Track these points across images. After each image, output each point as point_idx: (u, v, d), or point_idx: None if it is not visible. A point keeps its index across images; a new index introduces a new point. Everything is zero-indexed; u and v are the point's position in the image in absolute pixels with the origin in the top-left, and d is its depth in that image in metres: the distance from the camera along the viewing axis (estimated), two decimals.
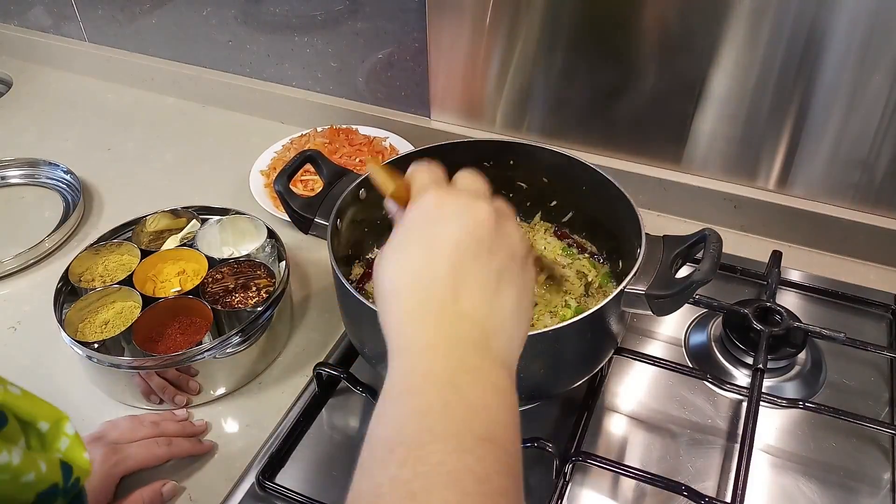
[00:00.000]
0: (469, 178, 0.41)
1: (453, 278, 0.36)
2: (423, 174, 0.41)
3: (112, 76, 1.16)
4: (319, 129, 0.95)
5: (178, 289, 0.70)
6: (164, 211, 0.77)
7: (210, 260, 0.71)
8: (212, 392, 0.65)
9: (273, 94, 1.03)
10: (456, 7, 0.81)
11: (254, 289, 0.69)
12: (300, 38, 0.97)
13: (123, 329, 0.64)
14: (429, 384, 0.33)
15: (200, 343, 0.62)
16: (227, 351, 0.63)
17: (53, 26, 1.18)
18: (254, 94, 1.04)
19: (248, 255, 0.72)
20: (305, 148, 0.86)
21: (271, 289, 0.68)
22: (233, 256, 0.72)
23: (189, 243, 0.74)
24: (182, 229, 0.77)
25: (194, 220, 0.77)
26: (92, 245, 0.73)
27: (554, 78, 0.81)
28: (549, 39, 0.79)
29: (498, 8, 0.79)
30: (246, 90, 1.05)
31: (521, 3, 0.77)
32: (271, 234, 0.74)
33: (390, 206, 0.43)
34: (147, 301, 0.66)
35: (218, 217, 0.76)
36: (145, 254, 0.72)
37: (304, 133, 0.95)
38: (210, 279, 0.69)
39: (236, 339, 0.63)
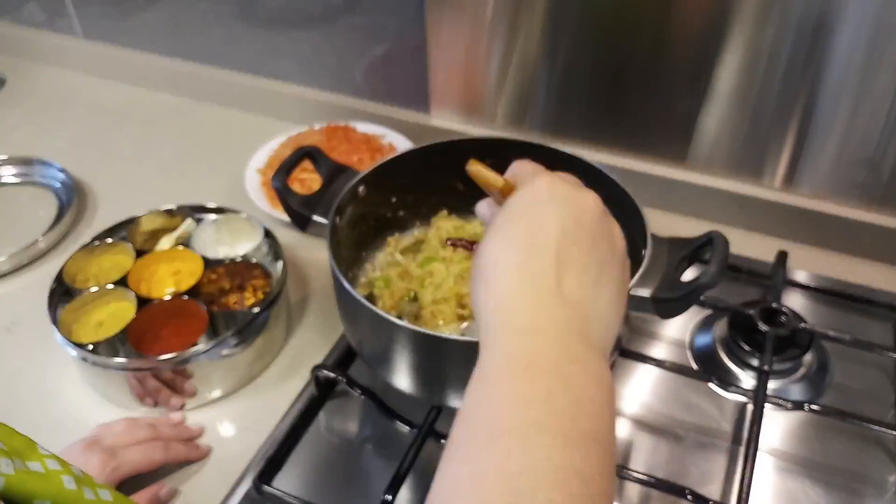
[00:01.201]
0: (568, 175, 0.42)
1: (557, 261, 0.36)
2: (529, 164, 0.42)
3: (107, 73, 1.15)
4: (317, 127, 0.94)
5: (173, 289, 0.69)
6: (158, 210, 0.76)
7: (205, 260, 0.70)
8: (208, 394, 0.64)
9: (270, 90, 1.02)
10: (456, 2, 0.80)
11: (250, 289, 0.68)
12: (297, 33, 0.96)
13: (118, 330, 0.63)
14: (533, 370, 0.32)
15: (196, 344, 0.61)
16: (223, 353, 0.62)
17: (47, 22, 1.16)
18: (250, 91, 1.03)
19: (244, 256, 0.71)
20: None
21: (268, 289, 0.67)
22: (228, 257, 0.71)
23: (184, 243, 0.73)
24: (177, 229, 0.76)
25: (189, 220, 0.76)
26: (86, 245, 0.72)
27: (556, 74, 0.81)
28: (552, 35, 0.78)
29: (499, 2, 0.78)
30: (242, 87, 1.04)
31: None
32: (268, 234, 0.73)
33: (482, 209, 0.46)
34: (142, 302, 0.65)
35: (213, 216, 0.75)
36: (140, 254, 0.71)
37: (301, 130, 0.94)
38: (205, 280, 0.68)
39: (232, 341, 0.62)
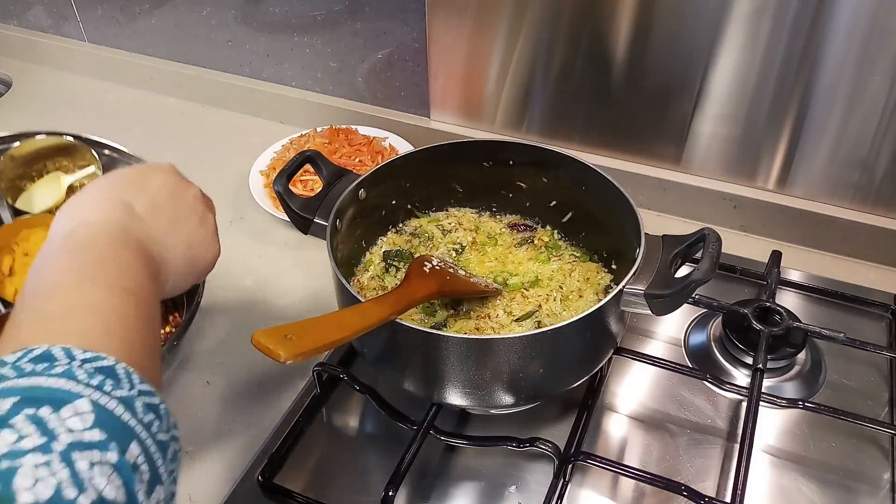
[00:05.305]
0: None
1: (134, 191, 0.45)
2: None
3: (111, 76, 1.16)
4: (319, 130, 0.95)
5: None
6: (49, 133, 0.51)
7: None
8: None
9: (272, 94, 1.03)
10: (455, 7, 0.81)
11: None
12: (300, 38, 0.97)
13: None
14: (89, 246, 0.38)
15: None
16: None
17: (53, 26, 1.18)
18: (253, 94, 1.04)
19: None
20: (305, 148, 0.86)
21: (180, 318, 0.51)
22: None
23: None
24: (74, 173, 0.52)
25: (94, 168, 0.51)
26: None
27: (553, 78, 0.82)
28: (549, 39, 0.79)
29: (498, 8, 0.79)
30: (245, 90, 1.05)
31: (521, 3, 0.77)
32: None
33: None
34: None
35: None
36: (15, 212, 0.46)
37: (303, 133, 0.95)
38: None
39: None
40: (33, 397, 0.29)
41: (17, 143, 0.50)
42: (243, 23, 1.00)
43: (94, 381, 0.31)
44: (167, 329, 0.59)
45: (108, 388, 0.31)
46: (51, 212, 0.50)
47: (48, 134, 0.53)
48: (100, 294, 0.36)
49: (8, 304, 0.48)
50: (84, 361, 0.31)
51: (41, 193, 0.50)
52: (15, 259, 0.49)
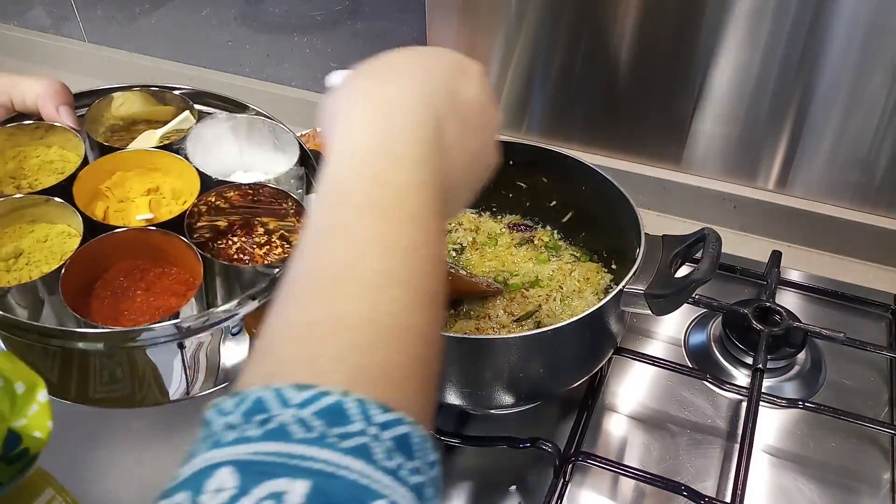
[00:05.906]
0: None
1: (447, 105, 0.33)
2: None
3: (112, 76, 1.15)
4: (319, 130, 0.95)
5: (149, 216, 0.45)
6: (142, 88, 0.51)
7: (205, 179, 0.46)
8: (195, 387, 0.45)
9: (273, 94, 1.03)
10: (456, 7, 0.81)
11: (276, 234, 0.46)
12: (300, 38, 0.97)
13: (48, 271, 0.40)
14: (401, 214, 0.28)
15: (177, 315, 0.40)
16: (232, 330, 0.40)
17: (53, 26, 1.18)
18: (253, 94, 1.04)
19: (268, 180, 0.47)
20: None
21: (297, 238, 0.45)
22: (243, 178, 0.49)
23: (176, 146, 0.48)
24: (167, 123, 0.51)
25: (188, 113, 0.51)
26: (5, 124, 0.46)
27: (554, 78, 0.82)
28: (549, 39, 0.79)
29: (498, 8, 0.79)
30: (245, 90, 1.05)
31: (521, 3, 0.77)
32: (304, 160, 0.50)
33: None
34: (94, 230, 0.42)
35: (226, 114, 0.51)
36: (104, 151, 0.46)
37: (303, 133, 0.95)
38: (202, 209, 0.45)
39: (242, 312, 0.39)
40: (326, 490, 0.20)
41: (110, 99, 0.49)
42: (243, 23, 1.00)
43: (392, 464, 0.22)
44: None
45: (404, 473, 0.22)
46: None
47: (140, 87, 0.51)
48: (409, 307, 0.26)
49: (100, 228, 0.43)
50: (382, 427, 0.23)
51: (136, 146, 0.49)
52: (109, 206, 0.46)
